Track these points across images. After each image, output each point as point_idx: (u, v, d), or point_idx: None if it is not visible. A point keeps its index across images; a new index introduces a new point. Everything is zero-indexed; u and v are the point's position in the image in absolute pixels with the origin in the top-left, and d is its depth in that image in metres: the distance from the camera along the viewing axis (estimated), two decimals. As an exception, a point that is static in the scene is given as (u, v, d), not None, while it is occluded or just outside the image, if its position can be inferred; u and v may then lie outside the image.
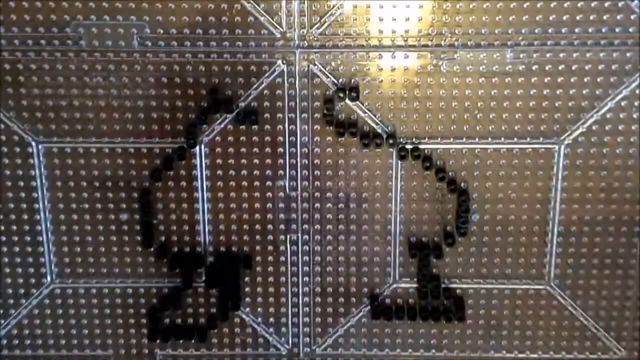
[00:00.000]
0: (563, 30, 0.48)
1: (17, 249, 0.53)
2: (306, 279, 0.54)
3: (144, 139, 0.51)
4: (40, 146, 0.51)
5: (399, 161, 0.51)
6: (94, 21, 0.48)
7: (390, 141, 0.50)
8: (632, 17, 0.47)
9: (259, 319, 0.55)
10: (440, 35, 0.48)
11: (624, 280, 0.53)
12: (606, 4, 0.47)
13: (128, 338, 0.55)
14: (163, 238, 0.53)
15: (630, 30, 0.48)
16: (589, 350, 0.55)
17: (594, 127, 0.50)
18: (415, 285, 0.53)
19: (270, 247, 0.53)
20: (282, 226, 0.52)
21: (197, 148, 0.51)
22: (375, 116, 0.50)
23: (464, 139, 0.50)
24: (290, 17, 0.48)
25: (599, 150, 0.50)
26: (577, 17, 0.48)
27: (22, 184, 0.52)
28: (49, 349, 0.55)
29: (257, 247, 0.53)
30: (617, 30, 0.48)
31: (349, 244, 0.53)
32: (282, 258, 0.53)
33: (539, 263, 0.53)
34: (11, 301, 0.54)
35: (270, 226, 0.52)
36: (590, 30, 0.48)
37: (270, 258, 0.53)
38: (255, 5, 0.48)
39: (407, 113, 0.50)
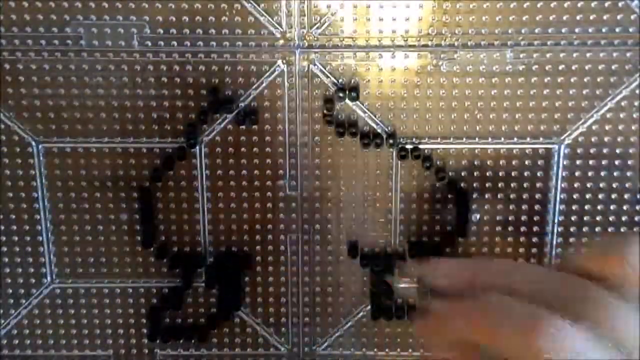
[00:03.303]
0: (563, 30, 0.48)
1: (17, 249, 0.53)
2: (306, 279, 0.54)
3: (144, 139, 0.51)
4: (40, 146, 0.51)
5: (399, 161, 0.51)
6: (94, 21, 0.48)
7: (390, 141, 0.50)
8: (632, 17, 0.47)
9: (259, 319, 0.55)
10: (440, 35, 0.48)
11: (624, 280, 0.53)
12: (606, 4, 0.47)
13: (128, 338, 0.55)
14: (163, 238, 0.53)
15: (630, 30, 0.48)
16: (589, 350, 0.54)
17: (594, 127, 0.50)
18: (415, 285, 0.53)
19: (270, 247, 0.53)
20: (282, 226, 0.52)
21: (197, 148, 0.51)
22: (375, 116, 0.50)
23: (464, 139, 0.50)
24: (290, 17, 0.48)
25: (599, 150, 0.50)
26: (577, 17, 0.48)
27: (22, 184, 0.51)
28: (49, 349, 0.55)
29: (257, 247, 0.53)
30: (617, 30, 0.48)
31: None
32: (282, 258, 0.53)
33: (538, 263, 0.53)
34: (11, 301, 0.54)
35: (270, 226, 0.52)
36: (590, 30, 0.48)
37: (270, 258, 0.53)
38: (255, 5, 0.48)
39: (407, 113, 0.50)
